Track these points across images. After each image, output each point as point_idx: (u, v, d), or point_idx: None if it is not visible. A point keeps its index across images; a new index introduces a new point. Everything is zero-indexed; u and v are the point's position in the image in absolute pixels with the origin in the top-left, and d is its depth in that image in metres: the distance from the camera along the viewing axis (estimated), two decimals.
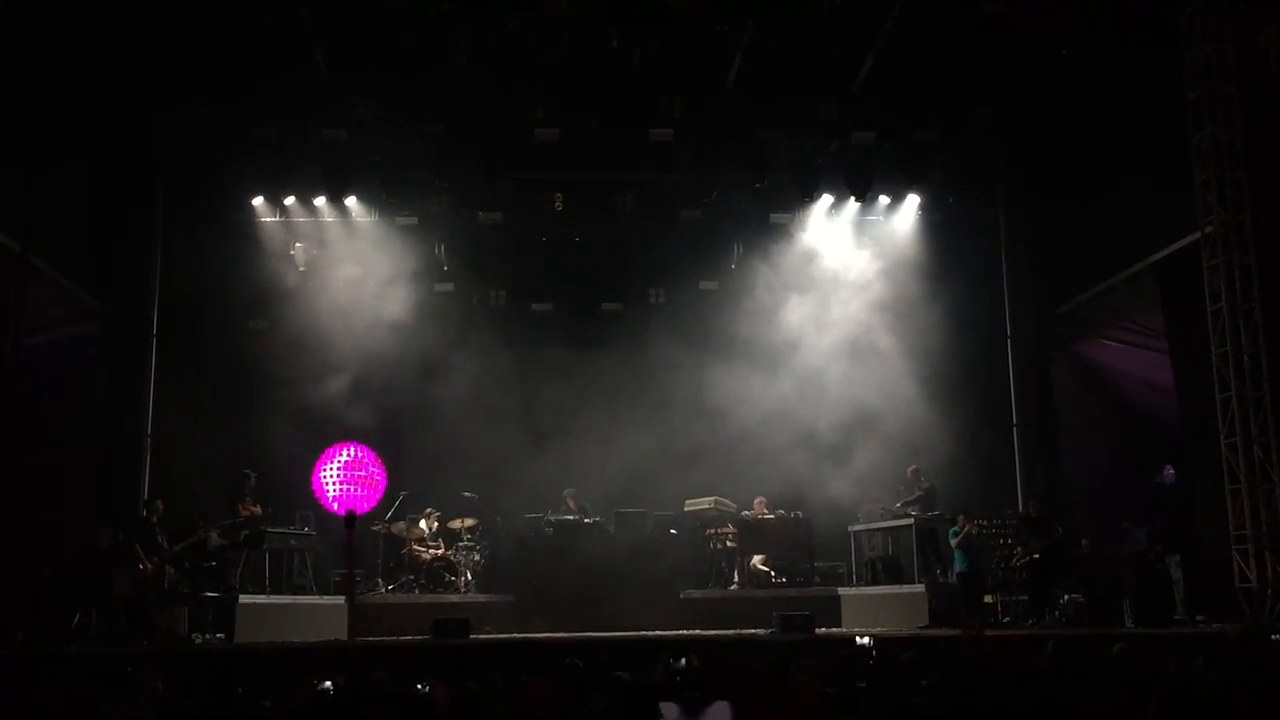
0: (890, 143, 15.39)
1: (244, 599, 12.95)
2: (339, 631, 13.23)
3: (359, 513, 10.69)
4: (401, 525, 14.98)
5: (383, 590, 14.62)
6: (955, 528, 13.52)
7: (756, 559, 15.30)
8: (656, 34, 13.39)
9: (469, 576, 14.96)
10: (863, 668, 7.05)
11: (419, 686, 5.76)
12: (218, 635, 12.58)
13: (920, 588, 13.93)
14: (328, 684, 6.09)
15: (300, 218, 16.46)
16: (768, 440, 16.05)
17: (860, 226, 17.12)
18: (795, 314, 16.42)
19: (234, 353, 16.33)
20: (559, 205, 16.26)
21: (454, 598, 14.43)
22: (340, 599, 14.06)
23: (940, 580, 13.98)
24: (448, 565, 14.94)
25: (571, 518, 15.22)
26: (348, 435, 15.69)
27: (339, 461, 10.36)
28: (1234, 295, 12.23)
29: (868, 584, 15.05)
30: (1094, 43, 13.52)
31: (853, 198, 16.17)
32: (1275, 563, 11.76)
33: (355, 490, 10.29)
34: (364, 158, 15.25)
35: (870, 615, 14.04)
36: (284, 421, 15.13)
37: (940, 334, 16.16)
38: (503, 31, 13.41)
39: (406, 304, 15.93)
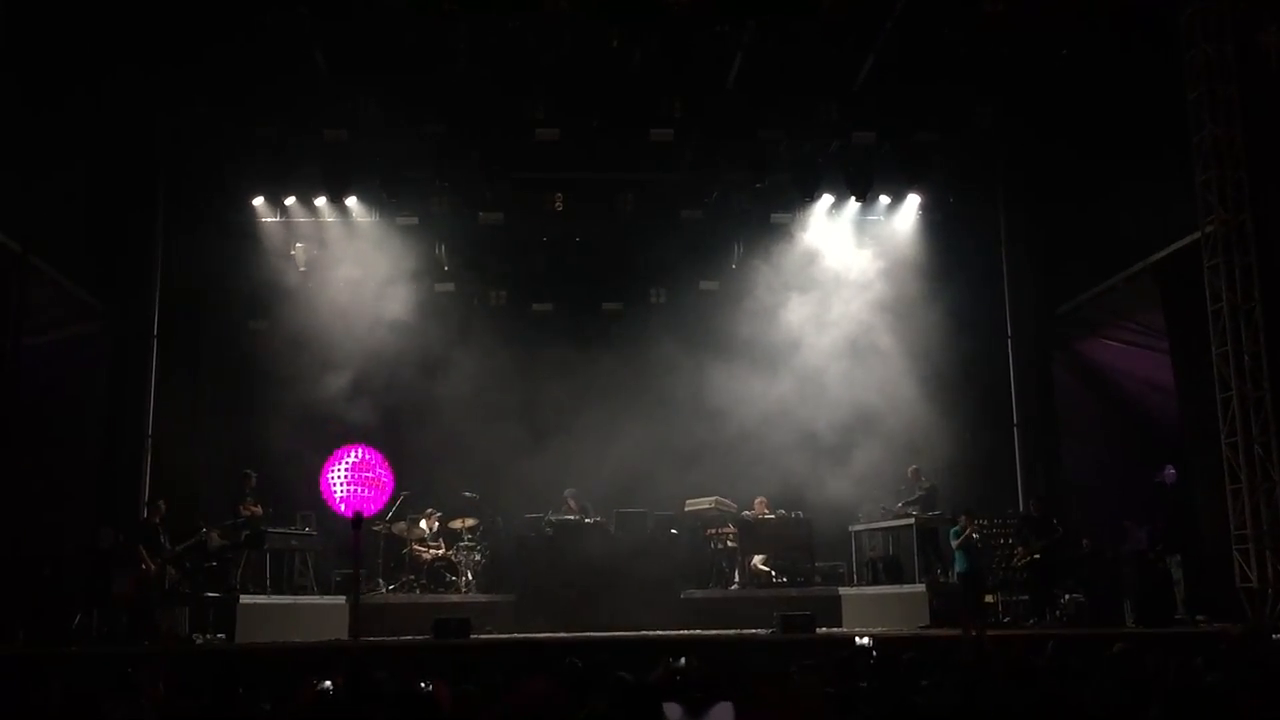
0: (890, 143, 15.39)
1: (245, 599, 12.96)
2: (340, 631, 13.25)
3: (366, 514, 10.71)
4: (402, 525, 14.99)
5: (383, 590, 14.62)
6: (956, 528, 13.51)
7: (757, 559, 15.30)
8: (657, 34, 13.40)
9: (470, 576, 14.96)
10: (863, 668, 7.04)
11: (422, 685, 5.75)
12: (219, 635, 12.58)
13: (921, 587, 13.92)
14: (327, 684, 6.08)
15: (301, 218, 16.47)
16: (768, 440, 16.05)
17: (861, 226, 17.12)
18: (796, 314, 16.42)
19: (235, 353, 16.33)
20: (559, 205, 16.27)
21: (455, 598, 14.44)
22: (341, 599, 14.09)
23: (941, 580, 13.97)
24: (448, 565, 14.94)
25: (572, 518, 15.22)
26: (349, 435, 15.75)
27: (347, 463, 10.39)
28: (1234, 295, 12.23)
29: (868, 584, 15.05)
30: (1094, 43, 13.53)
31: (853, 198, 16.18)
32: (1276, 562, 11.76)
33: (362, 492, 10.31)
34: (364, 158, 15.25)
35: (871, 615, 14.05)
36: (285, 422, 15.13)
37: (941, 334, 16.16)
38: (503, 31, 13.41)
39: (407, 304, 15.95)
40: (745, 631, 12.94)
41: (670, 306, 17.03)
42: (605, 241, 17.09)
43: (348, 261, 16.32)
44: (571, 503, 15.44)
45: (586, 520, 15.22)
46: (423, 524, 15.19)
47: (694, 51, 13.72)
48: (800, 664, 6.93)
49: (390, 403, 15.92)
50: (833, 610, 14.21)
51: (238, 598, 12.89)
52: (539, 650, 10.91)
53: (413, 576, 14.84)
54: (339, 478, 10.26)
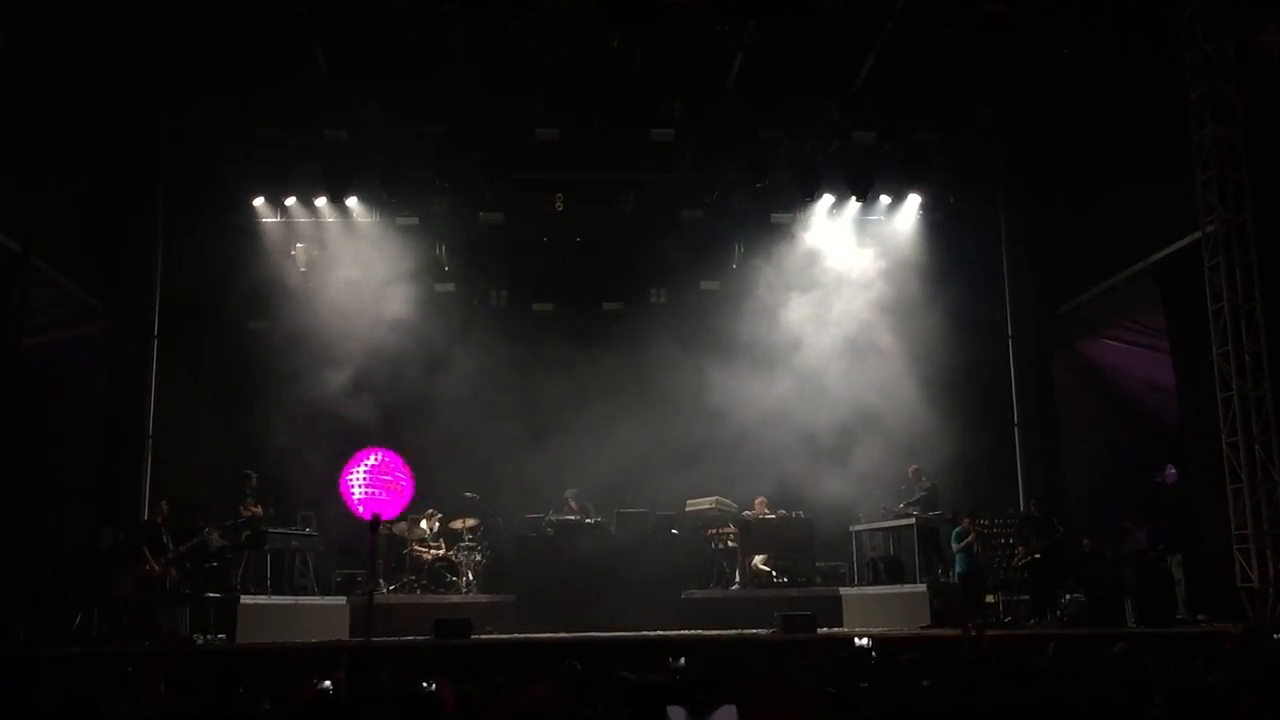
0: (891, 143, 15.40)
1: (245, 599, 12.95)
2: (340, 632, 13.29)
3: (385, 517, 10.69)
4: (403, 526, 14.98)
5: (384, 591, 14.61)
6: (959, 529, 13.52)
7: (758, 559, 15.30)
8: (657, 34, 13.40)
9: (470, 577, 14.97)
10: (864, 668, 7.04)
11: (424, 685, 5.76)
12: (219, 636, 12.58)
13: (922, 587, 13.92)
14: (327, 684, 6.09)
15: (301, 218, 16.47)
16: (769, 440, 16.05)
17: (861, 226, 17.13)
18: (796, 314, 16.43)
19: (235, 353, 16.33)
20: (560, 205, 16.27)
21: (455, 598, 14.44)
22: (342, 599, 14.12)
23: (942, 580, 13.98)
24: (449, 565, 14.94)
25: (573, 518, 15.22)
26: (349, 435, 15.84)
27: (366, 466, 10.37)
28: (1235, 294, 12.22)
29: (869, 584, 15.05)
30: (1094, 42, 13.52)
31: (854, 198, 16.18)
32: (1277, 562, 11.75)
33: (381, 495, 10.30)
34: (364, 158, 15.25)
35: (872, 615, 14.04)
36: (285, 422, 15.14)
37: (941, 333, 16.15)
38: (503, 31, 13.41)
39: (407, 304, 15.94)
40: (746, 632, 12.94)
41: (671, 306, 17.04)
42: (606, 241, 17.10)
43: (348, 262, 16.33)
44: (572, 503, 15.44)
45: (587, 520, 15.22)
46: (423, 524, 15.20)
47: (694, 51, 13.71)
48: (800, 664, 6.93)
49: (391, 403, 15.93)
50: (833, 610, 14.21)
51: (238, 598, 12.88)
52: (539, 650, 10.90)
53: (413, 577, 14.84)
54: (358, 480, 10.26)
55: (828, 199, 16.55)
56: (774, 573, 15.19)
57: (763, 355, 16.38)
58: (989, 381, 16.72)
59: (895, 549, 14.95)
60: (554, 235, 17.06)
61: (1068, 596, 13.11)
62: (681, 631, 13.33)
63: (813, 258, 16.83)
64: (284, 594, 13.84)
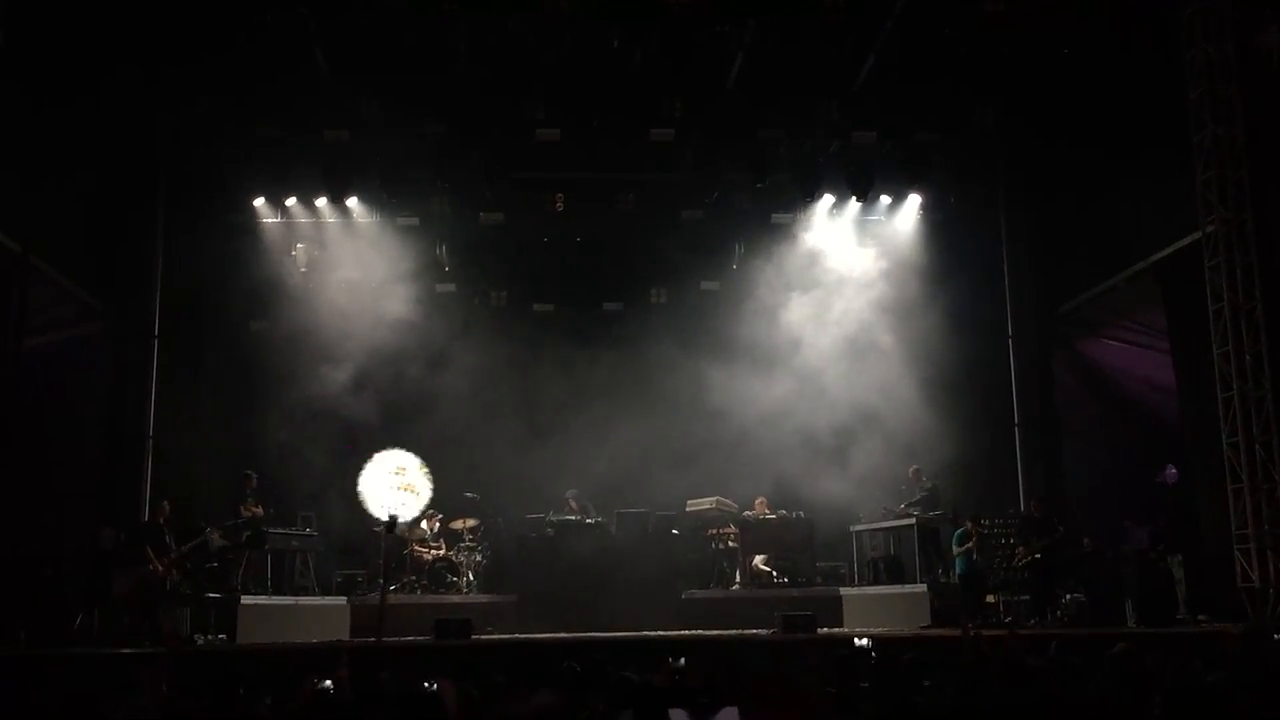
0: (891, 143, 15.39)
1: (246, 600, 12.96)
2: (341, 632, 13.29)
3: (402, 520, 10.71)
4: (403, 526, 14.97)
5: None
6: (961, 531, 13.53)
7: (758, 559, 15.30)
8: (657, 34, 13.40)
9: (471, 577, 14.97)
10: (864, 668, 7.04)
11: (425, 685, 5.75)
12: (220, 636, 12.58)
13: (922, 587, 13.92)
14: (328, 683, 6.08)
15: (301, 218, 16.47)
16: (769, 440, 16.04)
17: (862, 226, 17.13)
18: (797, 314, 16.42)
19: (235, 353, 16.33)
20: (560, 205, 16.28)
21: (456, 598, 14.44)
22: (342, 599, 14.14)
23: (942, 580, 13.98)
24: (449, 566, 14.94)
25: (573, 518, 15.22)
26: (349, 435, 15.84)
27: (386, 467, 10.39)
28: (1235, 294, 12.23)
29: (869, 584, 15.05)
30: (1094, 42, 13.52)
31: (854, 198, 16.17)
32: (1277, 562, 11.75)
33: (400, 496, 10.32)
34: (365, 158, 15.25)
35: (872, 615, 14.04)
36: (285, 422, 15.14)
37: (941, 333, 16.15)
38: (503, 31, 13.41)
39: (408, 304, 15.94)
40: (746, 632, 12.93)
41: (671, 306, 17.05)
42: (606, 242, 17.10)
43: (348, 262, 16.33)
44: (572, 503, 15.44)
45: (587, 521, 15.22)
46: (424, 525, 15.18)
47: (694, 51, 13.72)
48: (801, 664, 6.93)
49: (391, 403, 15.91)
50: (834, 610, 14.20)
51: (239, 598, 12.89)
52: (540, 651, 10.90)
53: (414, 577, 14.84)
54: (378, 481, 10.28)
55: (828, 199, 16.55)
56: (774, 573, 15.20)
57: (763, 355, 16.37)
58: (989, 381, 16.73)
59: (895, 549, 14.95)
60: (554, 235, 17.06)
61: (1068, 596, 13.10)
62: (682, 632, 13.33)
63: (813, 258, 16.83)
64: (284, 594, 13.85)
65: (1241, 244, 12.24)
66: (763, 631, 12.66)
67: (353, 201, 16.12)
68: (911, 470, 15.17)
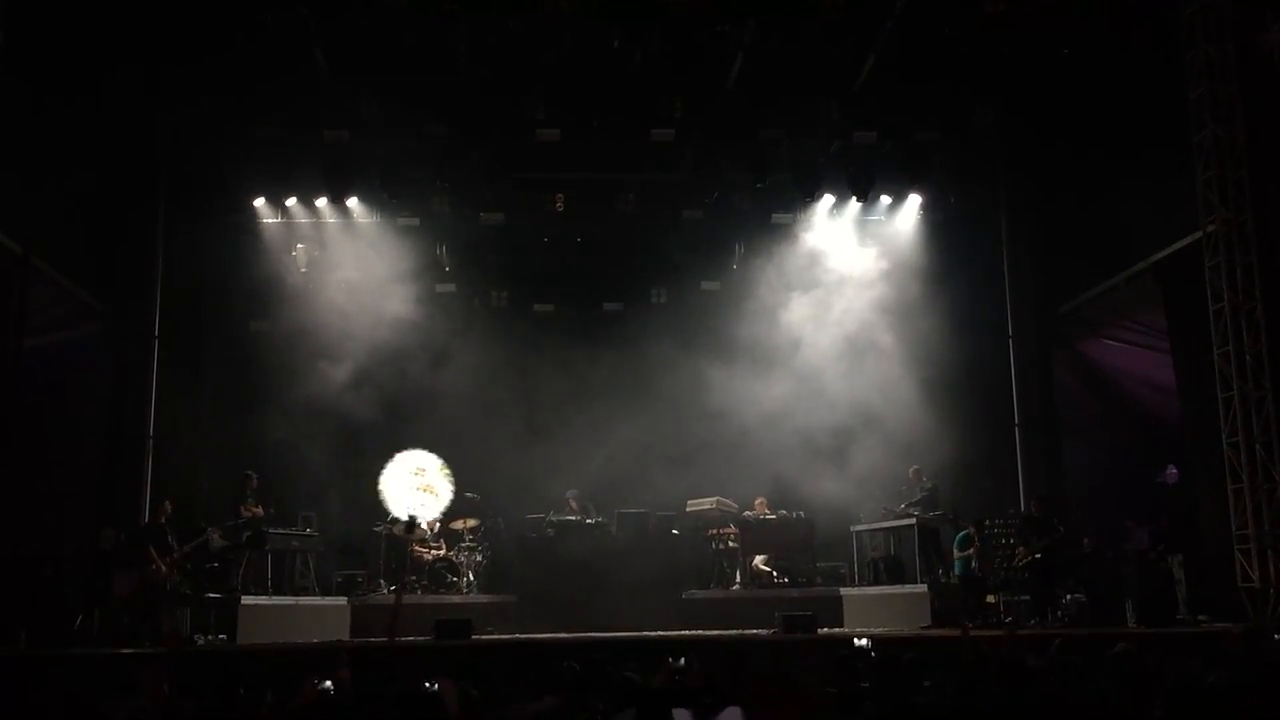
0: (891, 143, 15.38)
1: (246, 600, 12.95)
2: (341, 632, 13.29)
3: (422, 520, 10.72)
4: (404, 526, 14.96)
5: (385, 591, 14.61)
6: (964, 534, 13.53)
7: (758, 559, 15.30)
8: (657, 34, 13.40)
9: (471, 577, 14.96)
10: (865, 668, 7.04)
11: (427, 685, 5.75)
12: (220, 636, 12.57)
13: (922, 588, 13.92)
14: (328, 684, 6.08)
15: (301, 219, 16.48)
16: (769, 440, 16.04)
17: (862, 226, 17.13)
18: (797, 314, 16.43)
19: (235, 353, 16.34)
20: (560, 206, 16.28)
21: (456, 598, 14.43)
22: (342, 600, 14.13)
23: (943, 580, 13.98)
24: (450, 566, 14.94)
25: (573, 518, 15.21)
26: (350, 436, 15.87)
27: (406, 467, 10.46)
28: (1235, 294, 12.23)
29: (870, 584, 15.04)
30: (1094, 42, 13.52)
31: (854, 198, 16.17)
32: (1277, 562, 11.76)
33: (419, 497, 10.36)
34: (365, 158, 15.25)
35: (872, 615, 14.03)
36: (285, 422, 15.15)
37: (942, 333, 16.15)
38: (503, 31, 13.41)
39: (408, 304, 15.94)
40: (747, 632, 12.93)
41: (671, 307, 17.05)
42: (606, 242, 17.09)
43: (348, 262, 16.33)
44: (573, 503, 15.44)
45: (588, 521, 15.21)
46: (424, 525, 15.18)
47: (694, 51, 13.71)
48: (801, 664, 6.93)
49: (391, 403, 15.93)
50: (834, 610, 14.18)
51: (239, 599, 12.88)
52: (540, 651, 10.89)
53: (414, 577, 14.83)
54: (397, 480, 10.30)
55: (828, 199, 16.55)
56: (774, 573, 15.19)
57: (763, 355, 16.37)
58: (989, 381, 16.73)
59: (896, 549, 14.94)
60: (554, 235, 17.06)
61: (1068, 597, 13.09)
62: (682, 632, 13.32)
63: (813, 258, 16.83)
64: (284, 594, 13.84)
65: (1242, 244, 12.24)
66: (763, 632, 12.65)
67: (353, 202, 16.12)
68: (912, 470, 15.17)
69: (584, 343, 16.64)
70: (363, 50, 13.62)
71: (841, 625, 13.96)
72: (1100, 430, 16.01)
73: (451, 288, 16.63)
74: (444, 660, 9.43)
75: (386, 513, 14.62)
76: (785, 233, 16.86)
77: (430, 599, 14.31)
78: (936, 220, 17.01)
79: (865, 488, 15.60)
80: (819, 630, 12.29)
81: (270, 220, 16.43)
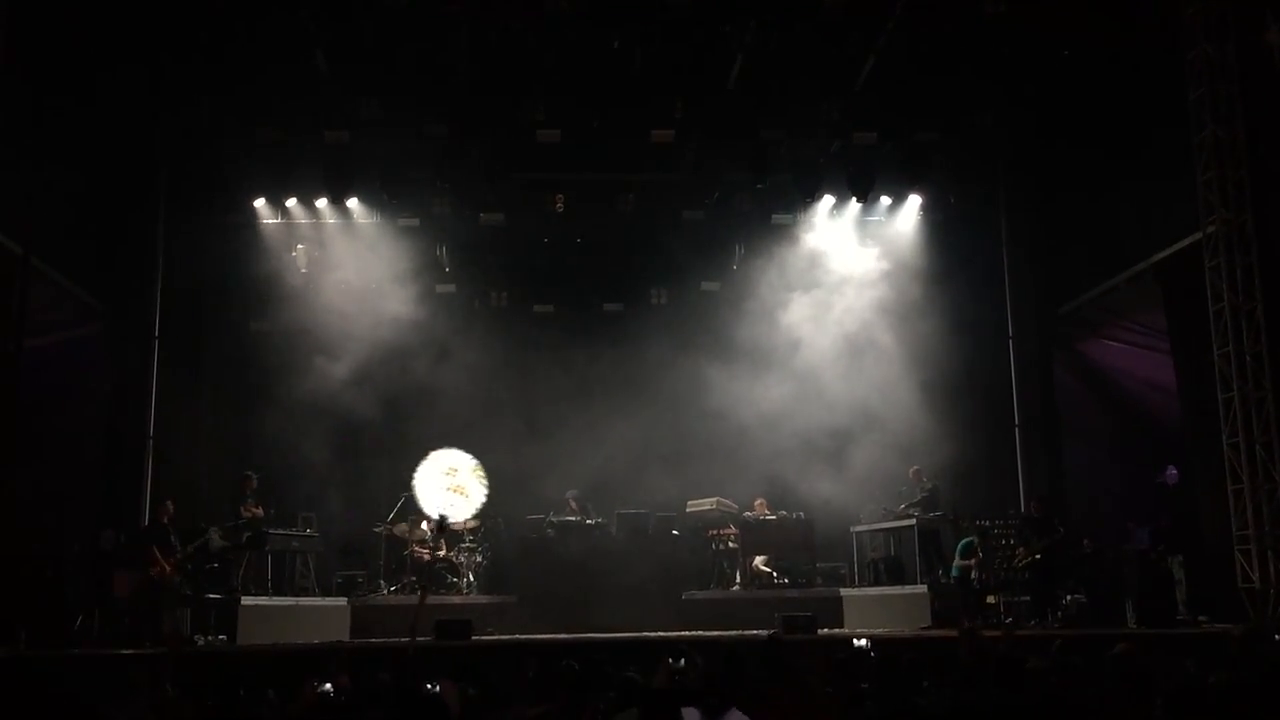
0: (892, 143, 15.38)
1: (246, 600, 12.94)
2: (341, 633, 13.30)
3: (453, 521, 10.72)
4: (404, 527, 14.98)
5: (385, 592, 14.62)
6: (966, 542, 13.53)
7: (758, 560, 15.29)
8: (657, 34, 13.40)
9: (471, 578, 14.96)
10: (865, 669, 7.04)
11: (428, 686, 5.75)
12: (220, 637, 12.57)
13: (922, 588, 13.92)
14: (328, 686, 6.08)
15: (302, 219, 16.48)
16: (769, 441, 16.04)
17: (862, 227, 17.12)
18: (797, 315, 16.41)
19: (236, 354, 16.35)
20: (560, 206, 16.26)
21: (456, 599, 14.42)
22: (342, 600, 14.13)
23: (943, 581, 13.97)
24: (450, 567, 14.93)
25: (573, 519, 15.20)
26: (349, 436, 15.86)
27: (439, 466, 10.44)
28: (1236, 295, 12.22)
29: (870, 585, 15.04)
30: (1095, 42, 13.51)
31: (854, 198, 16.16)
32: (1277, 562, 11.75)
33: (449, 497, 10.35)
34: (365, 159, 15.24)
35: (872, 616, 14.02)
36: (285, 423, 15.13)
37: (942, 334, 16.16)
38: (503, 31, 13.41)
39: (408, 305, 15.93)
40: (747, 633, 12.92)
41: (671, 307, 17.04)
42: (606, 242, 17.09)
43: (348, 262, 16.32)
44: (573, 504, 15.43)
45: (588, 521, 15.20)
46: (424, 526, 15.16)
47: (694, 51, 13.72)
48: (802, 665, 6.93)
49: (391, 404, 15.94)
50: (834, 611, 14.18)
51: (239, 599, 12.87)
52: (540, 651, 10.88)
53: (414, 578, 14.81)
54: (430, 479, 10.29)
55: (828, 200, 16.54)
56: (774, 573, 15.18)
57: (763, 356, 16.37)
58: (989, 382, 16.74)
59: (896, 550, 14.94)
60: (554, 236, 17.05)
61: (1068, 597, 13.09)
62: (682, 632, 13.31)
63: (814, 258, 16.82)
64: (284, 595, 13.83)
65: (1242, 244, 12.24)
66: (763, 633, 12.63)
67: (353, 202, 16.13)
68: (912, 471, 15.17)
69: (584, 343, 16.64)
70: (363, 50, 13.62)
71: (841, 626, 13.95)
72: (1100, 431, 16.01)
73: (451, 288, 16.62)
74: (444, 661, 9.43)
75: (388, 513, 14.63)
76: (785, 233, 16.85)
77: (430, 599, 14.29)
78: (936, 220, 17.01)
79: (865, 488, 15.61)
80: (819, 631, 12.29)
81: (270, 220, 16.43)
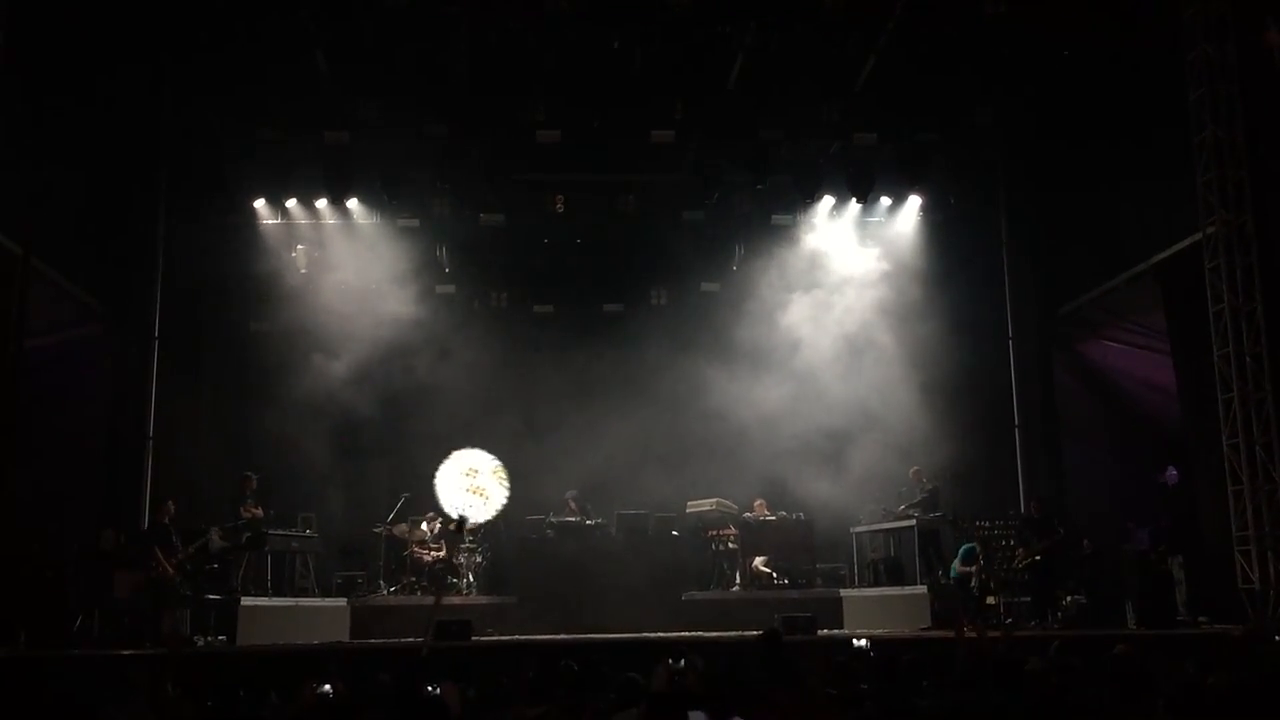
0: (891, 143, 15.39)
1: (246, 601, 12.94)
2: (341, 633, 13.30)
3: (474, 521, 10.68)
4: (403, 527, 14.99)
5: (384, 592, 14.62)
6: (968, 548, 13.53)
7: (758, 560, 15.29)
8: (657, 34, 13.40)
9: (471, 579, 14.96)
10: (865, 669, 7.04)
11: (429, 688, 5.74)
12: (220, 637, 12.57)
13: (922, 589, 13.92)
14: (327, 687, 6.08)
15: (301, 219, 16.48)
16: (769, 441, 16.03)
17: (862, 227, 17.12)
18: (797, 315, 16.40)
19: (235, 354, 16.34)
20: (560, 207, 16.25)
21: (456, 600, 14.42)
22: (342, 601, 14.13)
23: (943, 582, 13.97)
24: (450, 567, 14.93)
25: (573, 519, 15.21)
26: (349, 437, 15.85)
27: (459, 466, 10.33)
28: (1235, 296, 12.22)
29: (869, 585, 15.04)
30: (1095, 42, 13.51)
31: (854, 199, 16.16)
32: (1277, 563, 11.74)
33: (468, 498, 10.29)
34: (365, 159, 15.24)
35: (872, 617, 14.03)
36: (285, 423, 15.13)
37: (941, 335, 16.15)
38: (503, 31, 13.41)
39: (408, 306, 15.93)
40: (746, 633, 12.90)
41: (671, 308, 17.02)
42: (606, 243, 17.07)
43: (348, 263, 16.32)
44: (573, 504, 15.43)
45: (588, 522, 15.21)
46: (424, 526, 15.19)
47: (695, 52, 13.72)
48: (802, 666, 6.93)
49: (391, 404, 15.93)
50: (834, 612, 14.19)
51: (239, 599, 12.87)
52: (540, 652, 10.88)
53: (414, 578, 14.83)
54: (450, 480, 10.23)
55: (828, 200, 16.55)
56: (774, 574, 15.17)
57: (763, 357, 16.36)
58: (989, 383, 16.72)
59: (896, 551, 14.94)
60: (554, 236, 17.05)
61: (1068, 598, 13.09)
62: (682, 633, 13.31)
63: (813, 259, 16.82)
64: (284, 595, 13.83)
65: (1242, 245, 12.23)
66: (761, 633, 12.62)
67: (353, 203, 16.13)
68: (912, 471, 15.17)
69: (584, 343, 16.63)
70: (363, 50, 13.62)
71: (841, 627, 13.96)
72: (1100, 431, 16.00)
73: (451, 288, 16.61)
74: (444, 661, 9.43)
75: (387, 514, 14.62)
76: (785, 234, 16.84)
77: (430, 600, 14.29)
78: (936, 221, 17.01)
79: (865, 489, 15.61)
80: (819, 632, 12.28)
81: (270, 221, 16.43)
